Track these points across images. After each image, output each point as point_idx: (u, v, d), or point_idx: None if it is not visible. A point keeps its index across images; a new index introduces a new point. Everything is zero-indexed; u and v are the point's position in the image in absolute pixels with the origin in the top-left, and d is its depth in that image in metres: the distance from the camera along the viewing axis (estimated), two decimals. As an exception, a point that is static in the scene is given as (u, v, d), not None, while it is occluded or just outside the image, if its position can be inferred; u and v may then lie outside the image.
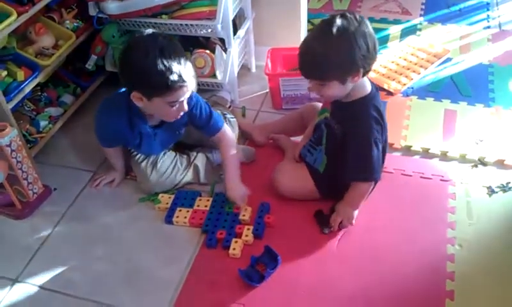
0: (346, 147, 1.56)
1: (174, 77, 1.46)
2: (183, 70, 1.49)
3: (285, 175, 1.75)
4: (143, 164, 1.80)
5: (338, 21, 1.41)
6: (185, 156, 1.86)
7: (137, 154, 1.82)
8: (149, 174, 1.79)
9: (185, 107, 1.59)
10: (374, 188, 1.66)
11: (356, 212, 1.65)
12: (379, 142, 1.54)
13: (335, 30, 1.40)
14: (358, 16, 1.43)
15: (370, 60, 1.46)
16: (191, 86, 1.54)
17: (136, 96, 1.53)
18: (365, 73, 1.50)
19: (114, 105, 1.69)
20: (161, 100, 1.52)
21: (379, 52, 2.43)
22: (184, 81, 1.49)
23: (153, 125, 1.72)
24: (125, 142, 1.80)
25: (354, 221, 1.65)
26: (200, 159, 1.86)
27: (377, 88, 1.60)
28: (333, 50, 1.41)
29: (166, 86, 1.47)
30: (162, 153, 1.83)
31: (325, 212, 1.68)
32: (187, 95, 1.55)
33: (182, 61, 1.50)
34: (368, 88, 1.56)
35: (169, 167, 1.81)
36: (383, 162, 1.63)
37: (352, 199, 1.63)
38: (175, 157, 1.84)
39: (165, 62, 1.45)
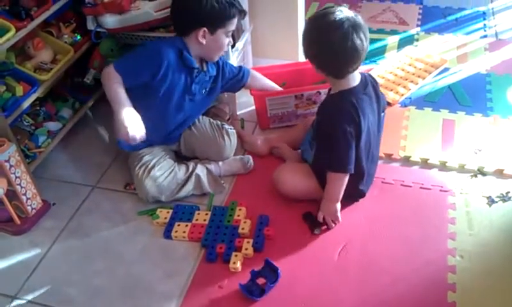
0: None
1: (236, 6, 1.76)
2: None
3: (286, 173, 1.77)
4: (142, 168, 1.80)
5: (332, 22, 1.47)
6: (183, 165, 1.87)
7: (137, 164, 1.82)
8: (145, 176, 1.78)
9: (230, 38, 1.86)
10: (364, 196, 1.71)
11: (338, 206, 1.66)
12: (350, 136, 1.54)
13: (321, 26, 1.49)
14: (357, 30, 1.51)
15: (334, 69, 1.53)
16: None
17: (200, 34, 1.73)
18: (334, 76, 1.55)
19: (169, 41, 1.83)
20: (223, 30, 1.76)
21: (376, 62, 2.48)
22: (241, 6, 1.79)
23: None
24: (163, 78, 1.74)
25: (339, 216, 1.66)
26: (200, 169, 1.86)
27: (367, 83, 1.59)
28: (304, 39, 1.54)
29: (231, 15, 1.75)
30: (161, 157, 1.84)
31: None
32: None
33: None
34: (353, 83, 1.56)
35: (166, 170, 1.81)
36: (359, 158, 1.61)
37: (327, 192, 1.65)
38: (173, 164, 1.85)
39: None
